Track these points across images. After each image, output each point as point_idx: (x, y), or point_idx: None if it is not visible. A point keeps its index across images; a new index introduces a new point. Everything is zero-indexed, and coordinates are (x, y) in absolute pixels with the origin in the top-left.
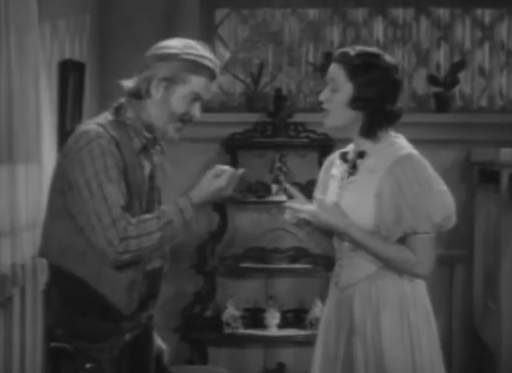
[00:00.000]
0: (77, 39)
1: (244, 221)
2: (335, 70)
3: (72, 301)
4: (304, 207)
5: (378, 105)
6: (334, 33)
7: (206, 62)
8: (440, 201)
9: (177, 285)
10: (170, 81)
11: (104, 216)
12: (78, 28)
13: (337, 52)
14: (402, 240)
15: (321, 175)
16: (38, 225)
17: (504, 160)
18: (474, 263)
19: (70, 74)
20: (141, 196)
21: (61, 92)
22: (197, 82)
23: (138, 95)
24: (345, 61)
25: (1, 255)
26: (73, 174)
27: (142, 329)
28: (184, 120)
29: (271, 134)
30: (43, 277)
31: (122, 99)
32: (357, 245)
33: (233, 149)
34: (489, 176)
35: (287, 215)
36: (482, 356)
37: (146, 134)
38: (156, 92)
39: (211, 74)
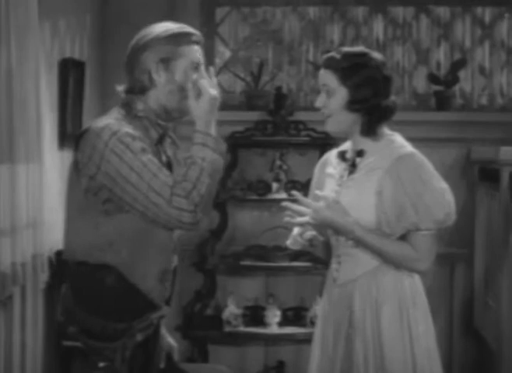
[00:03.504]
0: (77, 38)
1: (245, 219)
2: (326, 76)
3: (89, 299)
4: (304, 205)
5: (374, 103)
6: (335, 32)
7: (187, 29)
8: (442, 198)
9: (177, 283)
10: (166, 61)
11: (162, 189)
12: (78, 27)
13: (323, 58)
14: (402, 236)
15: (316, 174)
16: (38, 224)
17: (504, 158)
18: (474, 262)
19: (70, 73)
20: None
21: (61, 90)
22: (190, 51)
23: (142, 89)
24: (334, 66)
25: (2, 254)
26: (111, 167)
27: (153, 330)
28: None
29: (272, 132)
30: (43, 276)
31: (128, 95)
32: (360, 242)
33: (233, 148)
34: (489, 174)
35: (289, 241)
36: (482, 354)
37: (161, 122)
38: (159, 77)
39: (197, 39)
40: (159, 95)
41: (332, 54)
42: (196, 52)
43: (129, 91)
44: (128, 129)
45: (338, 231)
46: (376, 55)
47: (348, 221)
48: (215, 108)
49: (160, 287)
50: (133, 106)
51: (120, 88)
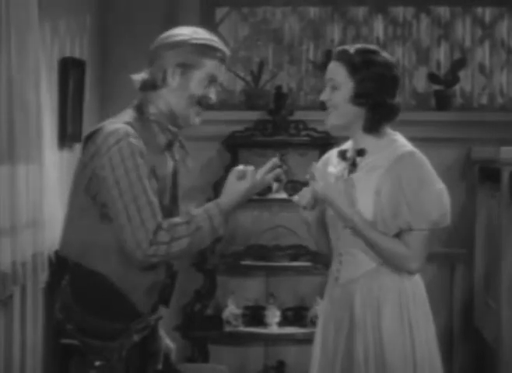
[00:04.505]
0: (77, 37)
1: (245, 219)
2: (335, 68)
3: (86, 298)
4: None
5: (379, 99)
6: (335, 32)
7: (216, 44)
8: (437, 199)
9: (177, 283)
10: (186, 67)
11: (134, 216)
12: (78, 27)
13: (336, 50)
14: (397, 236)
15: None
16: (38, 224)
17: (505, 158)
18: (474, 262)
19: (70, 72)
20: (165, 192)
21: (61, 90)
22: (211, 65)
23: (153, 85)
24: (346, 59)
25: (2, 253)
26: (103, 173)
27: (150, 331)
28: (202, 103)
29: (272, 132)
30: (43, 275)
31: (142, 96)
32: (357, 233)
33: (233, 148)
34: (489, 174)
35: (296, 197)
36: (482, 354)
37: (171, 128)
38: (173, 80)
39: (222, 56)
40: (168, 97)
41: (346, 47)
42: (216, 68)
43: (143, 84)
44: (133, 139)
45: (338, 215)
46: (388, 55)
47: (350, 210)
48: (247, 198)
49: (148, 299)
50: (145, 109)
51: (137, 77)
